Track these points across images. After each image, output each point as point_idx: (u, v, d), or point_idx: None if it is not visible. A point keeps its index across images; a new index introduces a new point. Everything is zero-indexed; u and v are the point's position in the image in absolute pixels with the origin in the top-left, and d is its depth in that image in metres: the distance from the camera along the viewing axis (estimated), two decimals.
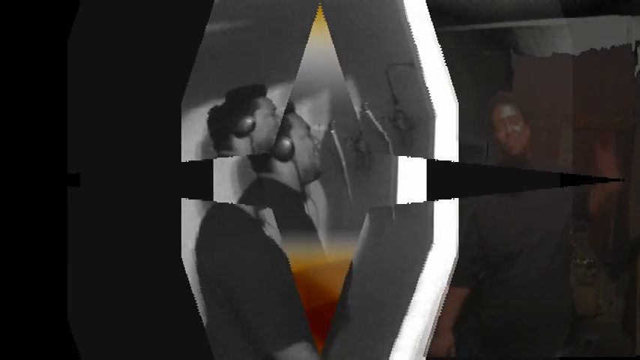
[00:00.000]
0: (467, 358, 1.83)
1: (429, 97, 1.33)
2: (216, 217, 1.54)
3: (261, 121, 1.57)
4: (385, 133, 1.61)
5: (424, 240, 1.39)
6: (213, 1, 1.43)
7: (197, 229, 1.52)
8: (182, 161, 1.42)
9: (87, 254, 1.18)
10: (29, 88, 1.11)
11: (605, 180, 1.86)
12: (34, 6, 1.11)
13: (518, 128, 1.85)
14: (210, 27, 1.39)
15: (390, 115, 1.65)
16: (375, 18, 1.67)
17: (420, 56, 1.38)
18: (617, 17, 2.29)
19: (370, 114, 1.62)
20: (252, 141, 1.56)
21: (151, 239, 1.27)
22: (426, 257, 1.36)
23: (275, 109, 1.62)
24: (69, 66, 1.14)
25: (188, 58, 1.34)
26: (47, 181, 1.11)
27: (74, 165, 1.15)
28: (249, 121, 1.55)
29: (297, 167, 1.58)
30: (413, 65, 1.45)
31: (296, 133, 1.59)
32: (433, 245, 1.37)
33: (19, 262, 1.10)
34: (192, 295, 1.37)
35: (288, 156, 1.55)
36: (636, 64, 2.29)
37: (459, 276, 1.71)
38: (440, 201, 1.37)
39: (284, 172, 1.58)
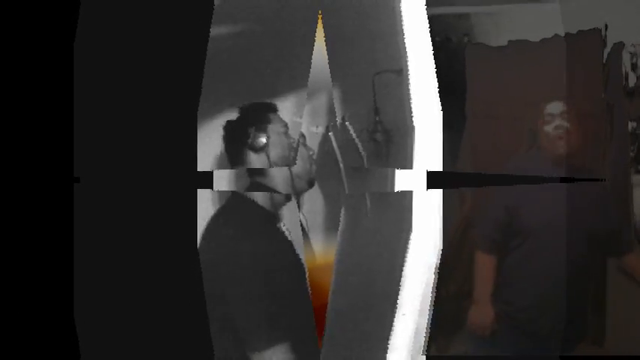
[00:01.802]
0: (467, 358, 1.83)
1: (410, 109, 1.31)
2: (227, 210, 1.55)
3: (275, 138, 1.59)
4: (361, 146, 1.59)
5: (402, 231, 1.37)
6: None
7: (206, 222, 1.52)
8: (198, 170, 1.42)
9: (94, 252, 1.19)
10: (37, 91, 1.12)
11: (586, 180, 1.87)
12: (40, 9, 1.09)
13: (566, 125, 1.87)
14: (214, 31, 1.36)
15: (369, 128, 1.62)
16: (370, 23, 1.64)
17: (409, 64, 1.36)
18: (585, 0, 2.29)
19: (349, 126, 1.60)
20: (268, 158, 1.58)
21: (164, 234, 1.27)
22: (406, 250, 1.34)
23: (287, 125, 1.63)
24: (75, 70, 1.13)
25: (197, 58, 1.33)
26: (55, 180, 1.12)
27: (82, 164, 1.15)
28: (262, 139, 1.57)
29: (291, 174, 1.58)
30: (401, 73, 1.43)
31: (273, 127, 1.59)
32: (412, 236, 1.34)
33: (25, 258, 1.11)
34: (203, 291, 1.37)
35: (261, 148, 1.56)
36: (605, 47, 2.30)
37: (485, 242, 1.81)
38: (419, 190, 1.34)
39: (277, 177, 1.58)
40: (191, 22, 1.27)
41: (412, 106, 1.32)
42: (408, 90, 1.31)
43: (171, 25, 1.22)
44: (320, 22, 1.64)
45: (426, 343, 1.36)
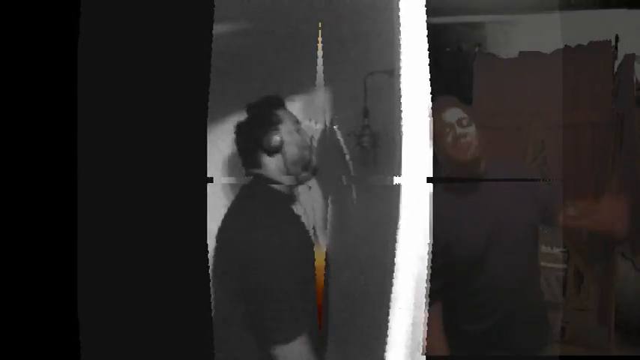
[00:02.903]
0: (467, 358, 1.75)
1: (400, 113, 1.22)
2: (247, 197, 1.52)
3: (288, 138, 1.54)
4: (347, 152, 1.57)
5: (390, 222, 1.28)
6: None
7: (223, 211, 1.49)
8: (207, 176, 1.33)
9: (97, 252, 1.16)
10: (42, 92, 1.12)
11: (548, 180, 1.79)
12: (44, 9, 1.09)
13: (469, 131, 1.62)
14: (216, 30, 1.26)
15: (357, 132, 1.59)
16: (366, 24, 1.63)
17: (402, 67, 1.24)
18: (596, 11, 2.30)
19: (337, 130, 1.58)
20: (285, 159, 1.53)
21: (173, 231, 1.21)
22: (395, 241, 1.24)
23: (298, 122, 1.58)
24: (79, 72, 1.11)
25: (201, 56, 1.26)
26: (59, 178, 1.14)
27: (87, 164, 1.15)
28: (277, 137, 1.51)
29: (285, 160, 1.53)
30: (392, 74, 1.33)
31: (285, 127, 1.54)
32: (400, 227, 1.23)
33: (29, 257, 1.11)
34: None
35: (276, 149, 1.51)
36: (616, 58, 2.31)
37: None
38: (406, 182, 1.24)
39: (271, 166, 1.53)
40: (195, 20, 1.23)
41: (403, 110, 1.24)
42: (400, 94, 1.23)
43: (175, 23, 1.21)
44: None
45: (425, 341, 1.29)
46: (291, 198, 1.55)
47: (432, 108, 1.60)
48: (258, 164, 1.53)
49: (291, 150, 1.53)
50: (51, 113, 1.13)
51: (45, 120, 1.13)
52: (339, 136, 1.57)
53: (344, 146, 1.57)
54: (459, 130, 1.62)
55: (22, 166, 1.13)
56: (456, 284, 1.67)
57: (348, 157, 1.57)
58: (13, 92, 1.11)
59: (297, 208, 1.55)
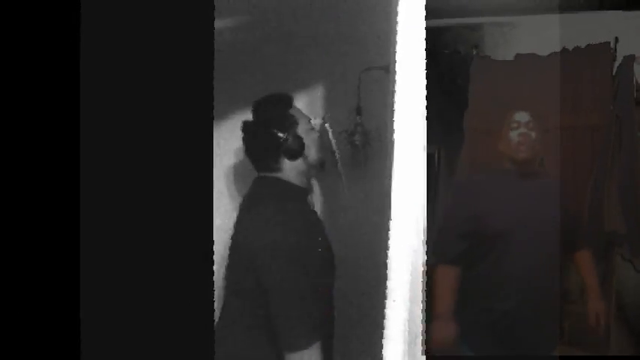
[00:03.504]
0: (467, 358, 1.77)
1: (392, 110, 1.17)
2: (255, 197, 1.48)
3: (308, 139, 1.48)
4: (337, 150, 1.55)
5: (383, 215, 1.25)
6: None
7: (235, 210, 1.48)
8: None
9: (100, 254, 1.14)
10: (44, 91, 1.10)
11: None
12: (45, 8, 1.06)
13: (532, 134, 1.80)
14: (218, 26, 1.23)
15: (349, 130, 1.60)
16: (364, 25, 1.66)
17: (397, 68, 1.21)
18: (595, 13, 2.31)
19: (329, 128, 1.55)
20: (307, 163, 1.49)
21: (177, 231, 1.17)
22: (388, 231, 1.21)
23: (310, 120, 1.53)
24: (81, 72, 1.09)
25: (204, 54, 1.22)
26: (62, 177, 1.11)
27: (90, 164, 1.12)
28: (299, 140, 1.46)
29: (306, 163, 1.49)
30: (388, 70, 1.28)
31: (302, 127, 1.48)
32: (392, 218, 1.20)
33: (31, 257, 1.09)
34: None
35: (299, 153, 1.45)
36: (614, 60, 2.31)
37: (447, 253, 1.73)
38: (398, 175, 1.19)
39: (290, 169, 1.47)
40: (197, 17, 1.20)
41: (396, 110, 1.20)
42: (394, 94, 1.20)
43: (175, 21, 1.17)
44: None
45: (424, 335, 1.25)
46: (306, 192, 1.52)
47: (505, 107, 1.86)
48: (276, 168, 1.47)
49: (312, 152, 1.49)
50: (53, 113, 1.12)
51: (47, 120, 1.12)
52: (329, 132, 1.54)
53: (333, 143, 1.55)
54: (523, 129, 1.80)
55: (25, 163, 1.11)
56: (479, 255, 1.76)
57: (337, 156, 1.55)
58: (14, 92, 1.09)
59: (312, 204, 1.54)
